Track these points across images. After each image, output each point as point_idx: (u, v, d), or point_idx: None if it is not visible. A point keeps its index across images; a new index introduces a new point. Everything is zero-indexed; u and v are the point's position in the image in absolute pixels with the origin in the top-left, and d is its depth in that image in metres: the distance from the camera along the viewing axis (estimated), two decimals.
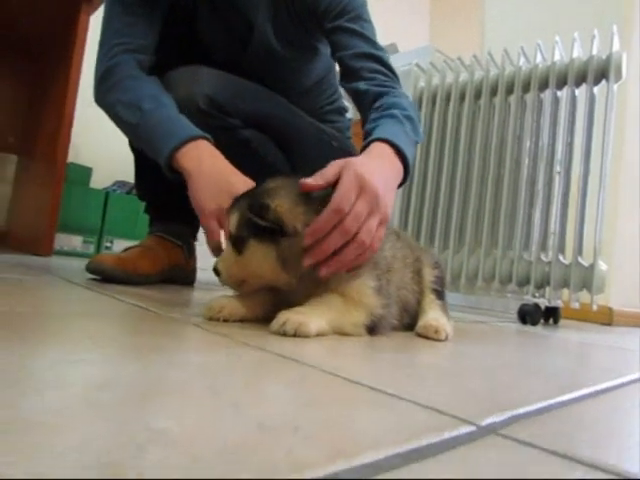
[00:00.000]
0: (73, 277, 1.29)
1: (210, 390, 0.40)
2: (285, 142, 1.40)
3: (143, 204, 1.60)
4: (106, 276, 1.26)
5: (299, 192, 0.81)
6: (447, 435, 0.35)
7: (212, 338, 0.66)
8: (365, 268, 0.84)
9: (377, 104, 1.15)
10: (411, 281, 0.99)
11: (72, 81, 2.09)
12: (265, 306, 0.86)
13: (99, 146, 2.98)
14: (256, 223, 0.78)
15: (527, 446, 0.35)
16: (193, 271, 1.64)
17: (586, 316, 2.28)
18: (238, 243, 0.82)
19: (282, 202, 0.79)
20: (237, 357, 0.56)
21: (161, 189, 1.50)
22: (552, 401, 0.50)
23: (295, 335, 0.71)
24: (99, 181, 2.91)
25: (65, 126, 2.13)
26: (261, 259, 0.80)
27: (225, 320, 0.80)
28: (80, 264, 1.36)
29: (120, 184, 2.98)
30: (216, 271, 0.86)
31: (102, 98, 1.23)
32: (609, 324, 2.33)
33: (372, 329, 0.82)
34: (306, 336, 0.72)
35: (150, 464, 0.25)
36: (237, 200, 0.86)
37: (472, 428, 0.38)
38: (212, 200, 0.98)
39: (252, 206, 0.79)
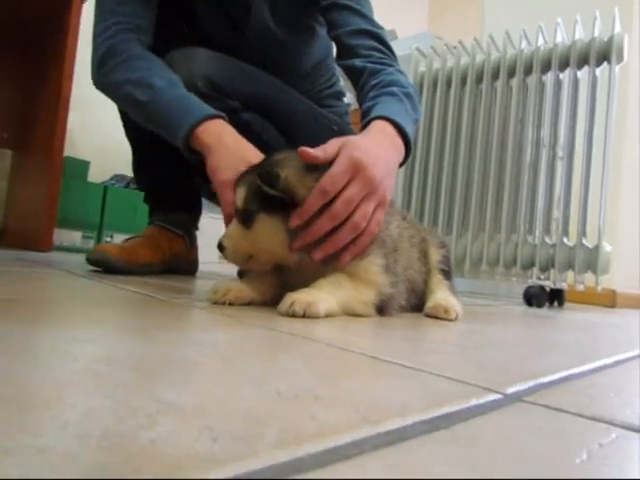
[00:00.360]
0: (74, 269, 1.27)
1: (224, 364, 0.39)
2: (285, 126, 1.37)
3: (142, 195, 1.58)
4: (108, 266, 1.24)
5: (306, 164, 0.79)
6: (474, 402, 0.34)
7: (219, 319, 0.65)
8: (372, 247, 0.82)
9: (374, 81, 1.12)
10: (418, 261, 0.98)
11: (66, 72, 2.06)
12: (272, 289, 0.84)
13: (96, 140, 2.96)
14: (266, 194, 0.76)
15: (557, 411, 0.34)
16: (195, 261, 1.62)
17: (590, 299, 2.27)
18: (246, 217, 0.80)
19: (292, 172, 0.78)
20: (247, 335, 0.54)
21: (160, 178, 1.48)
22: (574, 371, 0.49)
23: (304, 316, 0.69)
24: (97, 175, 2.88)
25: (60, 119, 2.10)
26: (271, 233, 0.79)
27: (231, 303, 0.78)
28: (81, 258, 1.35)
29: (118, 178, 2.96)
30: (221, 247, 0.83)
31: (104, 79, 1.18)
32: (612, 306, 2.32)
33: (381, 309, 0.81)
34: (315, 316, 0.70)
35: (160, 434, 0.23)
36: (244, 174, 0.84)
37: (498, 396, 0.36)
38: (230, 171, 0.95)
39: (262, 175, 0.77)
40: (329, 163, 0.80)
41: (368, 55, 1.18)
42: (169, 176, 1.47)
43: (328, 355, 0.47)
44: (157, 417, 0.25)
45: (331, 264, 0.80)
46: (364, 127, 0.98)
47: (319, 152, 0.81)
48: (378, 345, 0.59)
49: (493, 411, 0.33)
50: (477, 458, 0.24)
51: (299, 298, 0.71)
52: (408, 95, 1.09)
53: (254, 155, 0.96)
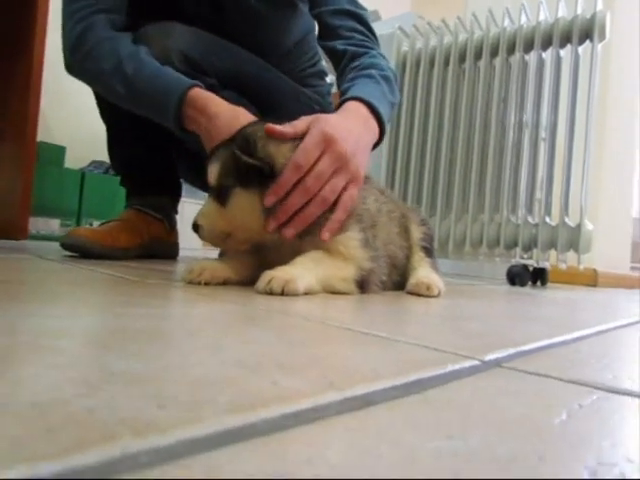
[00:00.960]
0: (48, 255, 1.23)
1: (187, 336, 0.36)
2: (266, 105, 1.34)
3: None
4: (83, 251, 1.20)
5: None
6: (450, 368, 0.32)
7: (192, 297, 0.62)
8: (349, 222, 0.80)
9: (354, 64, 1.12)
10: (398, 237, 0.96)
11: (37, 53, 1.99)
12: (249, 268, 0.82)
13: (72, 124, 2.88)
14: (242, 167, 0.74)
15: (537, 375, 0.32)
16: (175, 245, 1.59)
17: (572, 279, 2.28)
18: (221, 194, 0.77)
19: (268, 141, 0.76)
20: (219, 310, 0.52)
21: (136, 159, 1.44)
22: (556, 340, 0.47)
23: (282, 294, 0.67)
24: (74, 161, 2.81)
25: (32, 103, 2.03)
26: (247, 209, 0.76)
27: (206, 283, 0.75)
28: (58, 246, 1.31)
29: (97, 164, 2.89)
30: (195, 226, 0.80)
31: (78, 67, 1.14)
32: (594, 286, 2.33)
33: (362, 284, 0.79)
34: (294, 294, 0.68)
35: (100, 402, 0.21)
36: (216, 150, 0.80)
37: (475, 362, 0.35)
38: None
39: (240, 143, 0.75)
40: (299, 139, 0.78)
41: (349, 37, 1.17)
42: (146, 157, 1.43)
43: (302, 327, 0.45)
44: (100, 385, 0.23)
45: (309, 241, 0.78)
46: (339, 107, 0.97)
47: (288, 128, 0.80)
48: (355, 318, 0.57)
49: (470, 376, 0.31)
50: (449, 420, 0.22)
51: (277, 275, 0.69)
52: (386, 78, 1.08)
53: (246, 117, 0.92)
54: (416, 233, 0.99)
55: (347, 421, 0.21)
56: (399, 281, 0.94)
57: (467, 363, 0.34)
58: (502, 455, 0.19)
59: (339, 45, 1.16)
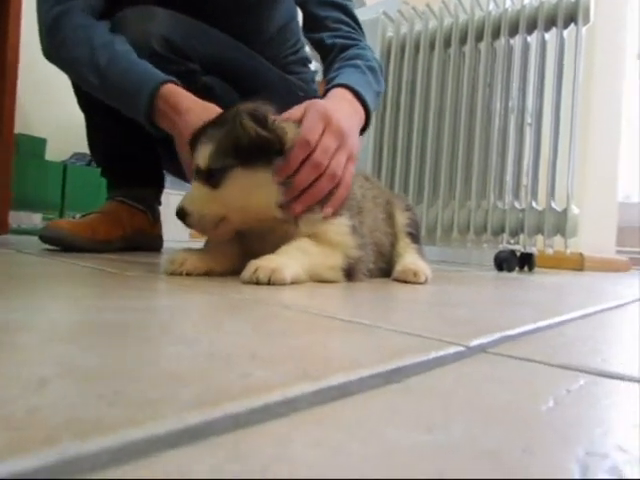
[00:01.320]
0: (27, 249, 1.20)
1: (158, 328, 0.35)
2: (249, 91, 1.31)
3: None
4: (63, 244, 1.17)
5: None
6: (433, 355, 0.30)
7: (172, 288, 0.60)
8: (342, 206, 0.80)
9: (341, 55, 1.13)
10: (383, 223, 0.94)
11: (12, 41, 1.93)
12: (233, 258, 0.79)
13: (53, 116, 2.82)
14: (250, 142, 0.71)
15: (523, 360, 0.31)
16: (159, 236, 1.56)
17: (559, 263, 2.29)
18: (213, 176, 0.73)
19: (276, 116, 0.75)
20: (197, 301, 0.50)
21: (117, 149, 1.40)
22: (541, 324, 0.46)
23: (269, 283, 0.65)
24: (56, 154, 2.75)
25: (9, 92, 1.98)
26: (250, 187, 0.73)
27: (188, 274, 0.72)
28: (38, 239, 1.29)
29: (79, 156, 2.83)
30: (182, 213, 0.75)
31: (54, 54, 1.10)
32: (581, 270, 2.34)
33: (349, 273, 0.77)
34: (281, 283, 0.66)
35: (46, 400, 0.19)
36: (204, 130, 0.76)
37: (460, 348, 0.33)
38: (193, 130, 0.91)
39: (254, 116, 0.72)
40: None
41: (336, 29, 1.16)
42: (127, 147, 1.39)
43: (282, 316, 0.43)
44: (51, 383, 0.21)
45: (306, 220, 0.76)
46: (325, 94, 0.98)
47: (286, 115, 0.80)
48: (339, 306, 0.55)
49: (453, 363, 0.29)
50: (431, 410, 0.21)
51: (263, 264, 0.67)
52: (371, 68, 1.09)
53: (217, 113, 0.90)
54: (401, 219, 0.98)
55: (320, 414, 0.20)
56: (385, 268, 0.93)
57: (451, 349, 0.32)
58: (486, 448, 0.17)
59: (327, 38, 1.17)
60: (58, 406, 0.18)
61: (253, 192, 0.74)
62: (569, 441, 0.18)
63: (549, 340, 0.39)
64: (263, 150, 0.73)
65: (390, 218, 0.97)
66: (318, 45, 1.20)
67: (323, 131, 0.79)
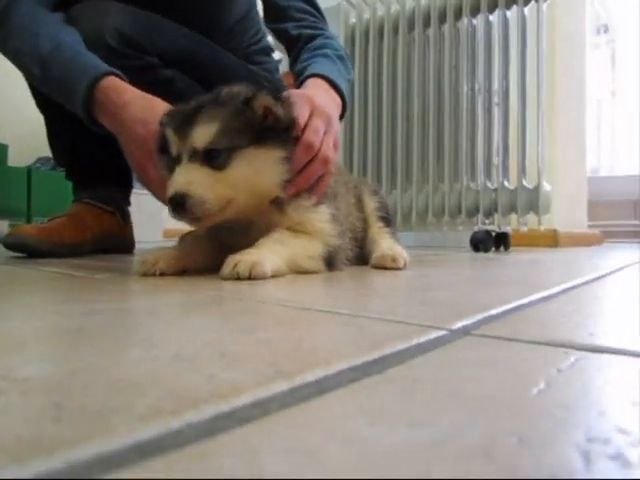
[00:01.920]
0: None
1: (119, 331, 0.32)
2: (212, 83, 1.28)
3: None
4: (28, 250, 1.13)
5: None
6: (415, 341, 0.29)
7: (142, 289, 0.58)
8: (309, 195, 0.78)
9: (308, 45, 1.13)
10: (355, 208, 0.93)
11: None
12: (208, 254, 0.76)
13: (14, 121, 2.73)
14: (255, 124, 0.70)
15: (509, 341, 0.29)
16: (130, 238, 1.51)
17: (534, 241, 2.31)
18: (218, 157, 0.69)
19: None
20: (167, 301, 0.47)
21: (79, 149, 1.35)
22: (523, 301, 0.45)
23: (250, 277, 0.62)
24: (19, 159, 2.67)
25: None
26: (263, 166, 0.71)
27: (162, 274, 0.69)
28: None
29: (43, 160, 2.76)
30: (179, 199, 0.67)
31: (3, 45, 1.06)
32: (555, 246, 2.37)
33: (329, 261, 0.75)
34: (262, 277, 0.63)
35: None
36: (195, 110, 0.71)
37: (442, 332, 0.32)
38: (143, 125, 0.85)
39: (276, 95, 0.72)
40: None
41: (301, 19, 1.16)
42: (89, 147, 1.34)
43: (255, 311, 0.41)
44: None
45: (280, 218, 0.74)
46: (300, 84, 0.98)
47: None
48: (315, 297, 0.53)
49: (436, 348, 0.28)
50: (413, 403, 0.19)
51: (243, 259, 0.64)
52: (340, 57, 1.09)
53: (163, 105, 0.87)
54: (370, 203, 0.97)
55: (293, 415, 0.18)
56: (359, 252, 0.91)
57: (433, 334, 0.31)
58: (475, 442, 0.15)
59: (292, 29, 1.16)
60: None
61: (264, 172, 0.71)
62: (566, 426, 0.17)
63: (533, 317, 0.38)
64: (274, 129, 0.71)
65: (360, 202, 0.96)
66: (282, 36, 1.19)
67: (310, 114, 0.79)
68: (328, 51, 1.09)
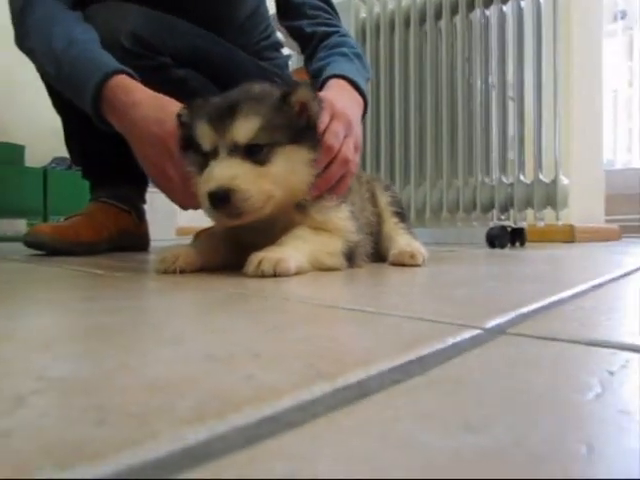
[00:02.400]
0: (13, 255, 1.17)
1: (148, 330, 0.32)
2: (225, 81, 1.27)
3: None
4: (47, 248, 1.14)
5: None
6: (450, 341, 0.28)
7: (162, 287, 0.57)
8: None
9: (324, 43, 1.13)
10: (369, 202, 0.93)
11: None
12: (225, 252, 0.76)
13: (31, 123, 2.75)
14: (292, 121, 0.71)
15: (549, 340, 0.28)
16: (146, 236, 1.52)
17: (549, 236, 2.28)
18: (259, 152, 0.68)
19: None
20: (190, 298, 0.47)
21: (96, 149, 1.36)
22: (554, 298, 0.44)
23: (275, 274, 0.62)
24: (36, 159, 2.70)
25: None
26: (298, 164, 0.72)
27: (182, 271, 0.69)
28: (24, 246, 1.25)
29: (59, 160, 2.78)
30: (224, 193, 0.65)
31: (22, 44, 1.06)
32: (572, 241, 2.34)
33: (349, 257, 0.75)
34: (286, 274, 0.63)
35: (21, 422, 0.16)
36: (238, 104, 0.69)
37: (477, 331, 0.31)
38: (158, 124, 0.84)
39: (313, 93, 0.73)
40: None
41: (315, 16, 1.16)
42: (105, 146, 1.34)
43: (281, 309, 0.40)
44: (29, 399, 0.18)
45: (301, 217, 0.74)
46: (321, 86, 0.98)
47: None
48: (339, 294, 0.53)
49: (474, 348, 0.27)
50: (464, 406, 0.19)
51: (267, 256, 0.64)
52: (358, 55, 1.09)
53: (175, 104, 0.86)
54: (383, 198, 0.96)
55: (340, 419, 0.17)
56: (375, 248, 0.90)
57: (467, 333, 0.30)
58: (539, 448, 0.15)
59: (307, 27, 1.16)
60: (36, 428, 0.16)
61: (299, 171, 0.72)
62: (632, 434, 0.16)
63: (569, 315, 0.37)
64: (307, 128, 0.73)
65: (373, 196, 0.96)
66: (297, 34, 1.19)
67: (331, 118, 0.80)
68: (345, 49, 1.09)
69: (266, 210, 0.69)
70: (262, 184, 0.67)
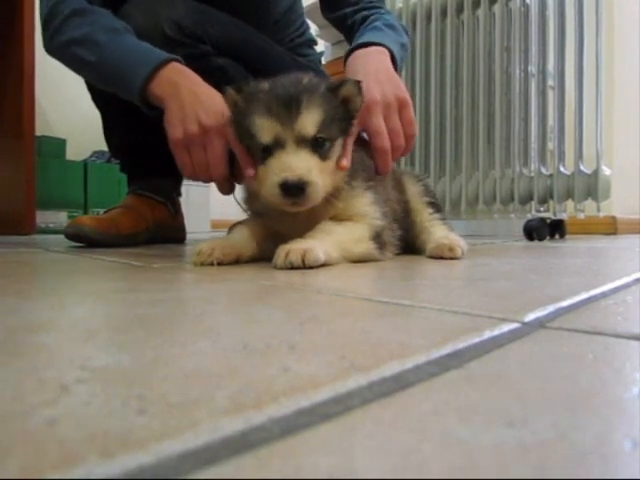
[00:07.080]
0: (55, 247, 1.20)
1: (186, 320, 0.32)
2: (260, 72, 1.28)
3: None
4: (87, 240, 1.18)
5: None
6: (488, 334, 0.28)
7: (198, 278, 0.58)
8: (361, 183, 0.78)
9: (361, 27, 1.14)
10: (393, 190, 0.92)
11: (27, 45, 1.93)
12: (259, 244, 0.77)
13: (72, 117, 2.83)
14: (344, 115, 0.74)
15: (591, 334, 0.28)
16: (182, 228, 1.55)
17: (590, 228, 2.21)
18: (322, 146, 0.70)
19: None
20: (225, 290, 0.48)
21: (134, 143, 1.39)
22: (595, 292, 0.42)
23: (303, 265, 0.62)
24: (76, 153, 2.78)
25: (27, 96, 1.99)
26: (335, 160, 0.74)
27: (219, 263, 0.70)
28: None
29: (99, 154, 2.86)
30: (301, 185, 0.66)
31: (51, 43, 1.09)
32: (614, 234, 2.26)
33: (378, 242, 0.75)
34: (315, 263, 0.63)
35: (66, 410, 0.17)
36: (300, 97, 0.69)
37: (516, 325, 0.30)
38: (181, 127, 0.87)
39: (359, 88, 0.75)
40: None
41: (357, 2, 1.17)
42: (142, 140, 1.38)
43: (315, 301, 0.40)
44: (73, 388, 0.19)
45: (328, 206, 0.75)
46: (346, 59, 1.00)
47: None
48: (372, 287, 0.53)
49: (513, 342, 0.27)
50: (504, 400, 0.18)
51: (294, 247, 0.64)
52: (389, 25, 1.09)
53: (212, 102, 0.88)
54: (414, 188, 0.95)
55: (377, 412, 0.17)
56: (404, 236, 0.89)
57: (506, 326, 0.30)
58: (583, 444, 0.14)
59: (350, 15, 1.18)
60: (80, 417, 0.16)
61: (334, 165, 0.74)
62: None
63: (610, 309, 0.36)
64: (350, 120, 0.76)
65: (399, 184, 0.95)
66: (342, 23, 1.21)
67: (367, 110, 0.84)
68: (378, 23, 1.09)
69: (318, 201, 0.71)
70: (325, 178, 0.71)
